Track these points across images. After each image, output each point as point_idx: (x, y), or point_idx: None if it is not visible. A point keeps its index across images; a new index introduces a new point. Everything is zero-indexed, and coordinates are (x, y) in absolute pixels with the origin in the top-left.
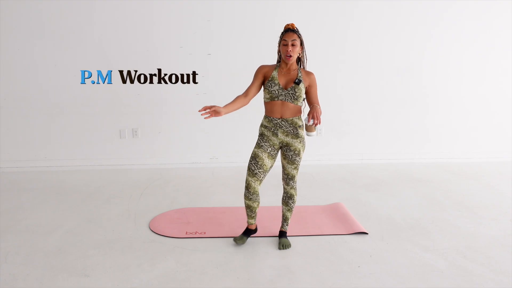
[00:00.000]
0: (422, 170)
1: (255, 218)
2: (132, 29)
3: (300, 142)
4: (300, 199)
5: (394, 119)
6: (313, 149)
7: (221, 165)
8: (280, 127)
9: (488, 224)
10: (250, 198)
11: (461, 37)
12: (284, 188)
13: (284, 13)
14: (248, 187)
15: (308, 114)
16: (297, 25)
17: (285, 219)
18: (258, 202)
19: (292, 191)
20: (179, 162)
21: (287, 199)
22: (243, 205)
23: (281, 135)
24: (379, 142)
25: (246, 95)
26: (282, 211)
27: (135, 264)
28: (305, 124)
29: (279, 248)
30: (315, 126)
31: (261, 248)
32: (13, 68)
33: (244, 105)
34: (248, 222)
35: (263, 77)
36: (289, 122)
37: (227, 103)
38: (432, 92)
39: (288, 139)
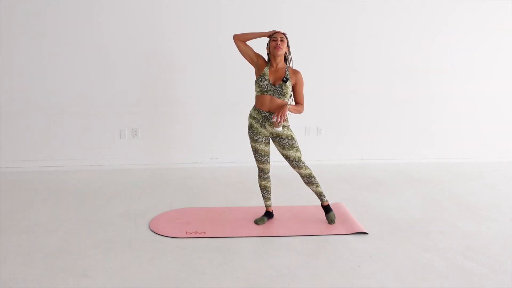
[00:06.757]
0: (422, 170)
1: (271, 200)
2: (137, 29)
3: (287, 129)
4: (300, 199)
5: (394, 119)
6: (313, 149)
7: (221, 165)
8: (268, 119)
9: (488, 224)
10: (265, 178)
11: (464, 38)
12: (298, 173)
13: (284, 13)
14: (262, 170)
15: (276, 112)
16: (296, 25)
17: (319, 194)
18: (271, 181)
19: (306, 171)
20: (179, 162)
21: (308, 179)
22: (243, 205)
23: (269, 127)
24: (379, 142)
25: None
26: (312, 190)
27: (135, 264)
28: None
29: (329, 223)
30: (278, 123)
31: (261, 248)
32: (13, 67)
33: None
34: (266, 205)
35: (257, 60)
36: None
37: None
38: (432, 93)
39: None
